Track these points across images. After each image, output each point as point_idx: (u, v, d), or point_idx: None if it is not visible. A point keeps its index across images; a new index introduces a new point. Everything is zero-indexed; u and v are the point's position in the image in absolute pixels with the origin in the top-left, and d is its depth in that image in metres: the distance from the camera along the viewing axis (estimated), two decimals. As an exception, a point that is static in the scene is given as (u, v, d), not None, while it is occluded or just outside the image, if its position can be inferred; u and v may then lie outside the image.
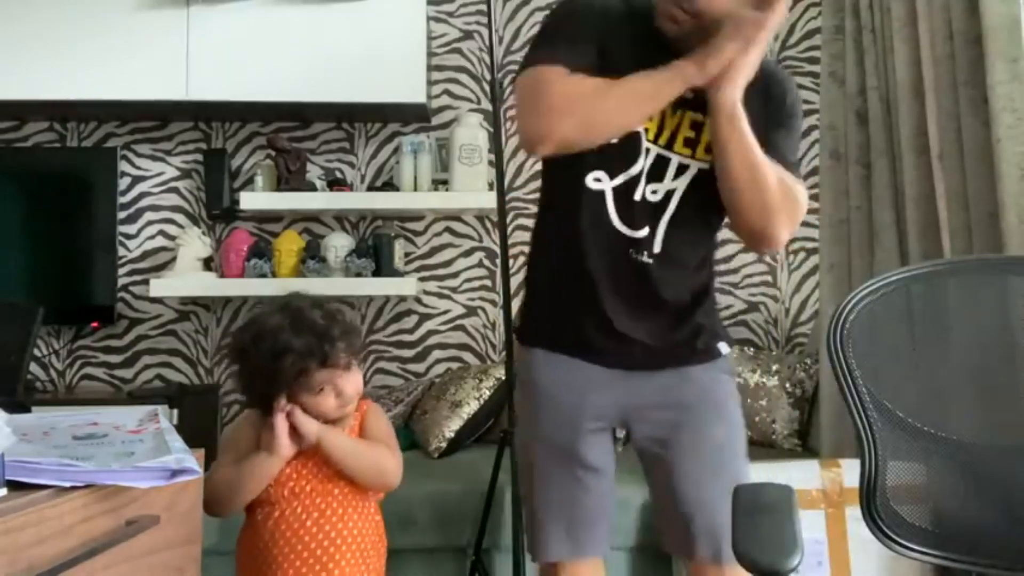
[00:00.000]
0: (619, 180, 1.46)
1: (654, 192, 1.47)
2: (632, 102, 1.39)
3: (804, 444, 2.74)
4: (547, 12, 1.62)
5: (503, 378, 2.61)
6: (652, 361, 1.52)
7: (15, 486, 0.90)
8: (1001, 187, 2.01)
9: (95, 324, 3.16)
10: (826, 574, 2.03)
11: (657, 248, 1.48)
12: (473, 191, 3.00)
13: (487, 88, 3.24)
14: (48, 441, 1.15)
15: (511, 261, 3.07)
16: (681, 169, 1.47)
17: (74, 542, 0.91)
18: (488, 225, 3.26)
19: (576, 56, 1.38)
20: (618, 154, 1.46)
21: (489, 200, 2.85)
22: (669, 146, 1.47)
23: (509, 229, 3.09)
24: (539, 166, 3.27)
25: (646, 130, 1.46)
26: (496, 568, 2.16)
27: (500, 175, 2.26)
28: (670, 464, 1.51)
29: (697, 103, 1.44)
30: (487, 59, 3.17)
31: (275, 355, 1.46)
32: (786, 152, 1.49)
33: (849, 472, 2.06)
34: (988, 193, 2.09)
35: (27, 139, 3.25)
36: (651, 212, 1.47)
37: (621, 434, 1.63)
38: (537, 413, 1.56)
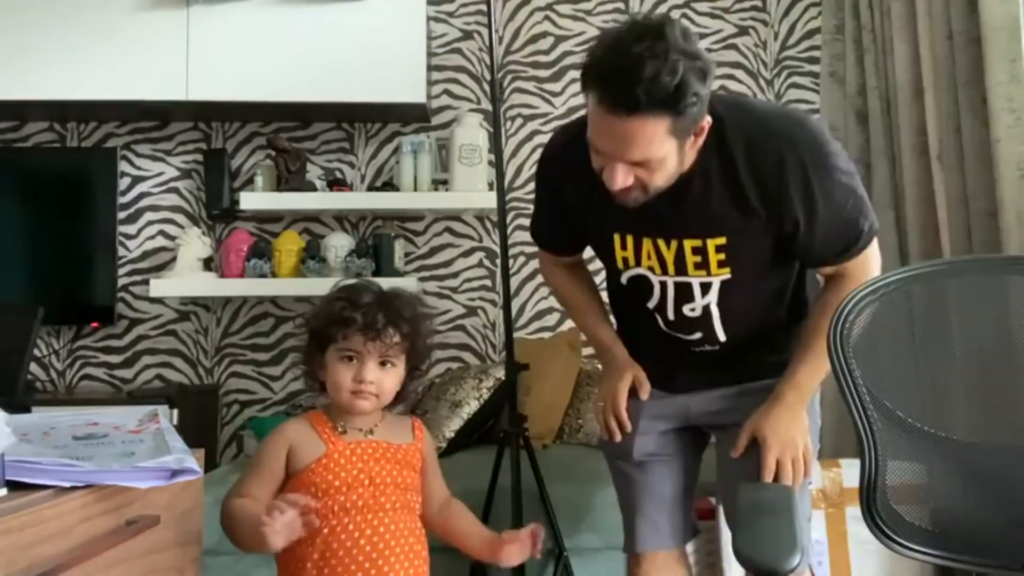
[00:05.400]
0: (652, 305, 1.52)
1: (692, 310, 1.49)
2: (574, 320, 1.78)
3: (804, 444, 2.73)
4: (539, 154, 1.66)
5: (503, 378, 2.61)
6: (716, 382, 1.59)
7: (15, 486, 0.90)
8: (1000, 187, 2.01)
9: (95, 324, 3.16)
10: (826, 574, 2.03)
11: (722, 338, 1.52)
12: (473, 191, 3.00)
13: (487, 88, 3.24)
14: (48, 441, 1.15)
15: (511, 261, 3.07)
16: (705, 287, 1.46)
17: (74, 542, 0.91)
18: (488, 225, 3.26)
19: (552, 243, 1.69)
20: (637, 290, 1.52)
21: (489, 200, 2.85)
22: (682, 274, 1.45)
23: (509, 229, 3.09)
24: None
25: (651, 268, 1.47)
26: (496, 568, 2.15)
27: (500, 175, 2.26)
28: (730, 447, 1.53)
29: (672, 227, 1.42)
30: (487, 59, 3.17)
31: (336, 299, 1.44)
32: (820, 251, 1.43)
33: (849, 472, 2.06)
34: (987, 193, 2.09)
35: (27, 139, 3.25)
36: (698, 322, 1.50)
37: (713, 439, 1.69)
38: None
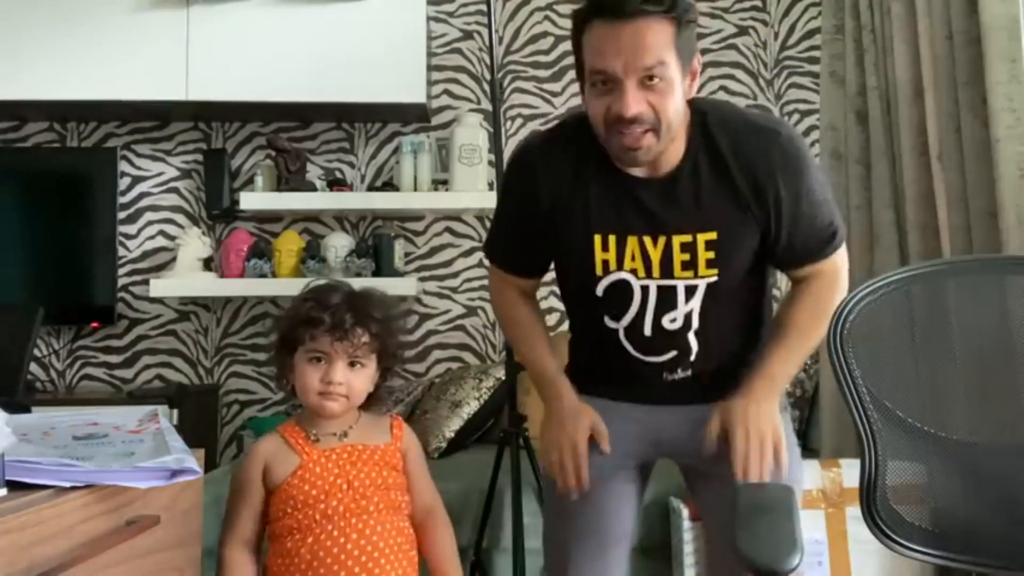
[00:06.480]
0: (626, 321, 1.44)
1: (672, 320, 1.42)
2: (518, 348, 1.63)
3: (804, 444, 2.73)
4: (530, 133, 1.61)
5: (503, 378, 2.61)
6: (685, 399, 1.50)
7: (15, 486, 0.90)
8: (1000, 187, 2.01)
9: (95, 324, 3.16)
10: (826, 574, 2.03)
11: (694, 359, 1.45)
12: (473, 191, 3.00)
13: (487, 88, 3.24)
14: (48, 441, 1.15)
15: (511, 261, 3.07)
16: (690, 291, 1.40)
17: (74, 542, 0.91)
18: (488, 225, 3.25)
19: (513, 261, 1.63)
20: (614, 300, 1.44)
21: (489, 200, 2.85)
22: (668, 276, 1.40)
23: (509, 229, 3.09)
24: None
25: (634, 271, 1.40)
26: (496, 568, 2.16)
27: (500, 175, 2.26)
28: (715, 492, 1.45)
29: (662, 223, 1.38)
30: (487, 59, 3.17)
31: (304, 300, 1.43)
32: (801, 247, 1.42)
33: (849, 472, 2.06)
34: (987, 193, 2.09)
35: (27, 139, 3.25)
36: (674, 337, 1.44)
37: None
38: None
